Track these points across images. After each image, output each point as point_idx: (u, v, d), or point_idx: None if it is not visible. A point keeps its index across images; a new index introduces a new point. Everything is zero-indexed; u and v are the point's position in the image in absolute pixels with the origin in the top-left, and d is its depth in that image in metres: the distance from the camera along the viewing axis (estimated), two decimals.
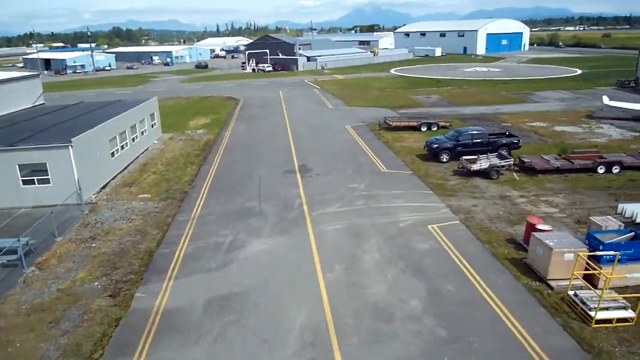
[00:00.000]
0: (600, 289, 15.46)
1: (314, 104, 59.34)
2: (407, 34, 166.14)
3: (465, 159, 29.45)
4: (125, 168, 32.89)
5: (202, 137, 42.71)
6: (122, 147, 33.09)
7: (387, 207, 24.50)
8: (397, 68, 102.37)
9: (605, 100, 46.05)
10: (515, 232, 21.34)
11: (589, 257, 16.66)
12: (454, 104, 56.59)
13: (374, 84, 76.65)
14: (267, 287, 17.24)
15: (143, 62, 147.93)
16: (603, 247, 16.50)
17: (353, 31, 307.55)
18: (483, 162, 28.96)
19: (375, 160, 33.37)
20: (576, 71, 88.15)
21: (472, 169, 28.61)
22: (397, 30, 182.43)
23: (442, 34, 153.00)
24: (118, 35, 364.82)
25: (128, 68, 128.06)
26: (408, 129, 42.47)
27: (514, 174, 29.38)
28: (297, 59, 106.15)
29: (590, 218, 18.58)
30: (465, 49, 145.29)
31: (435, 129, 42.21)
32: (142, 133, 37.84)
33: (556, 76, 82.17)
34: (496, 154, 30.55)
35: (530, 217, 20.05)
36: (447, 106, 55.20)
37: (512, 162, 29.26)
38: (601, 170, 29.27)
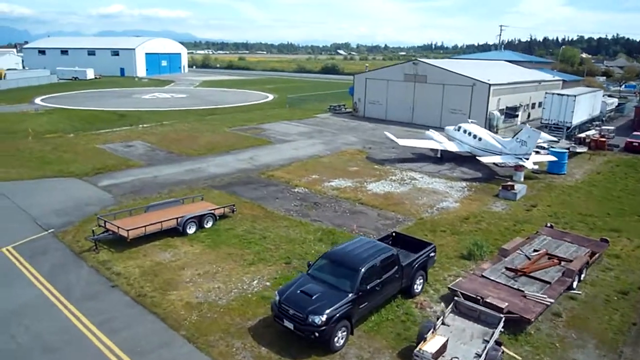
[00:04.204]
0: None
1: None
2: (42, 51, 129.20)
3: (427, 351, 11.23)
4: None
5: None
6: None
7: None
8: (45, 96, 71.73)
9: (394, 138, 35.32)
10: None
11: None
12: (180, 155, 36.39)
13: (18, 125, 46.95)
14: None
15: None
16: None
17: None
18: (474, 345, 11.53)
19: None
20: (268, 96, 79.86)
21: None
22: (27, 46, 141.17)
23: (92, 52, 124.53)
24: None
25: None
26: (159, 235, 20.66)
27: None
28: None
29: None
30: (122, 70, 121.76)
31: (210, 224, 21.93)
32: None
33: (256, 102, 71.52)
34: (453, 303, 13.69)
35: None
36: (172, 161, 34.58)
37: (502, 318, 12.93)
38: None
